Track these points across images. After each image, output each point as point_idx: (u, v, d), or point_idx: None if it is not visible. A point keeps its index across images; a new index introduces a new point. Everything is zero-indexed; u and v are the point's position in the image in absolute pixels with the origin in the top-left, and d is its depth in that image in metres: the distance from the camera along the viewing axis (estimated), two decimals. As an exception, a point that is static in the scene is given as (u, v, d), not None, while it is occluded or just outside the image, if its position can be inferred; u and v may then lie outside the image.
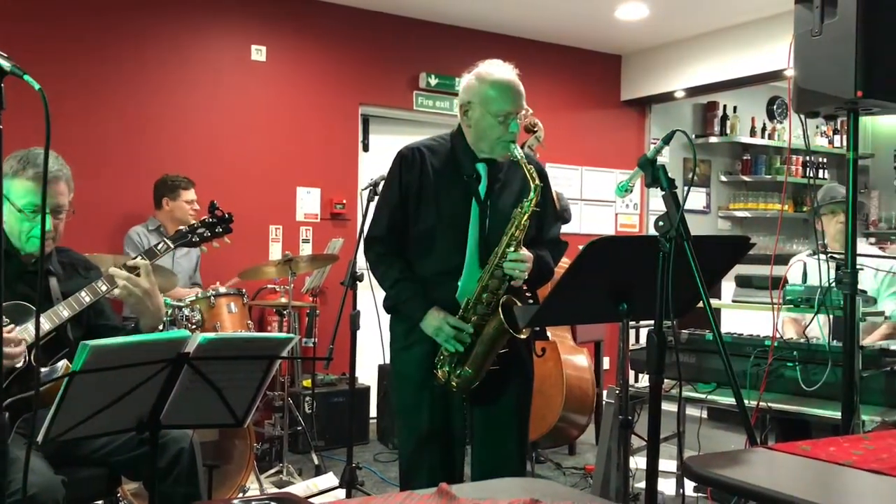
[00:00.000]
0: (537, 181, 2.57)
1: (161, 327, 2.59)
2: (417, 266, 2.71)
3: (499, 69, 2.67)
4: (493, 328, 2.55)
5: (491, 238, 2.64)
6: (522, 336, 2.58)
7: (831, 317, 3.01)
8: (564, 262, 2.94)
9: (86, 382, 1.85)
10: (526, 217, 2.56)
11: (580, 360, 4.78)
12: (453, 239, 2.66)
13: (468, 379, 2.60)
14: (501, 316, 2.52)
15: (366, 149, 6.12)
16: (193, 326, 4.00)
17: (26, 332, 2.40)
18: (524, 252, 2.58)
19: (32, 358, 2.36)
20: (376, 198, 3.00)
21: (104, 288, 2.49)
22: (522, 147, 4.41)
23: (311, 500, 3.81)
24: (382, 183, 2.85)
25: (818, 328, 3.20)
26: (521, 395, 2.77)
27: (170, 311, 3.96)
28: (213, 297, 4.19)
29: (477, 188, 2.69)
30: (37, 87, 1.61)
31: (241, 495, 3.83)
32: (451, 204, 2.67)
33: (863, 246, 4.22)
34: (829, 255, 3.06)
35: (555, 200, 4.17)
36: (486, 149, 2.67)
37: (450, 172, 2.70)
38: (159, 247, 2.60)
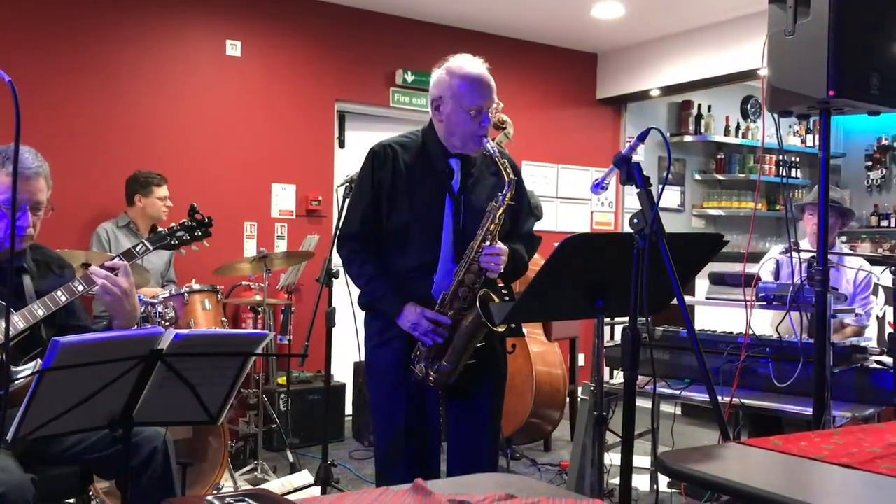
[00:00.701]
0: (511, 175, 2.58)
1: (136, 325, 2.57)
2: (392, 262, 2.71)
3: (469, 63, 2.67)
4: (470, 322, 2.56)
5: (465, 233, 2.64)
6: (500, 329, 2.59)
7: (803, 314, 3.05)
8: (540, 260, 2.95)
9: (56, 380, 1.83)
10: (501, 211, 2.56)
11: (550, 355, 4.82)
12: (427, 234, 2.66)
13: (446, 373, 2.60)
14: (479, 310, 2.52)
15: (342, 145, 6.10)
16: (167, 323, 3.97)
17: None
18: (499, 246, 2.58)
19: (3, 357, 2.33)
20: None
21: (81, 288, 2.46)
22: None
23: (286, 497, 3.79)
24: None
25: (791, 325, 3.24)
26: (495, 392, 2.78)
27: (143, 309, 3.92)
28: (186, 294, 4.16)
29: (450, 183, 2.69)
30: (6, 79, 1.59)
31: (215, 492, 3.80)
32: (425, 200, 2.67)
33: (839, 246, 4.27)
34: (802, 252, 3.09)
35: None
36: (459, 143, 2.67)
37: (422, 168, 2.69)
38: (138, 248, 2.58)
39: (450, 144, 2.69)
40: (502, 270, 2.60)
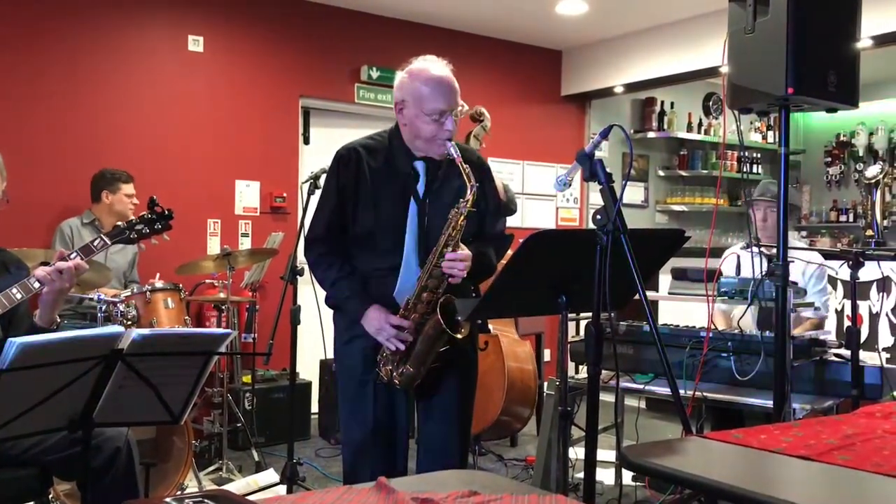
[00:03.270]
0: (472, 181, 2.56)
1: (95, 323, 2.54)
2: (357, 262, 2.70)
3: (432, 66, 2.64)
4: (432, 328, 2.55)
5: (430, 236, 2.63)
6: (460, 336, 2.58)
7: (757, 307, 3.09)
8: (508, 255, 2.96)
9: (14, 381, 1.80)
10: (462, 218, 2.54)
11: (522, 353, 4.81)
12: (392, 238, 2.65)
13: (410, 376, 2.60)
14: (439, 316, 2.52)
15: (306, 141, 6.07)
16: (129, 322, 3.92)
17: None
18: (462, 252, 2.58)
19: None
20: (317, 191, 2.97)
21: (37, 285, 2.42)
22: (468, 137, 4.46)
23: (250, 496, 3.77)
24: (324, 177, 2.83)
25: (750, 320, 3.29)
26: (464, 389, 2.78)
27: (104, 307, 3.87)
28: (149, 293, 4.11)
29: (415, 187, 2.67)
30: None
31: (178, 493, 3.77)
32: (389, 203, 2.66)
33: (793, 240, 4.33)
34: (762, 247, 3.14)
35: (499, 193, 4.19)
36: (422, 147, 2.65)
37: (387, 171, 2.68)
38: (96, 243, 2.54)
39: (414, 147, 2.68)
40: (465, 275, 2.60)
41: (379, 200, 2.65)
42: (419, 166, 2.69)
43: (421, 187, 2.68)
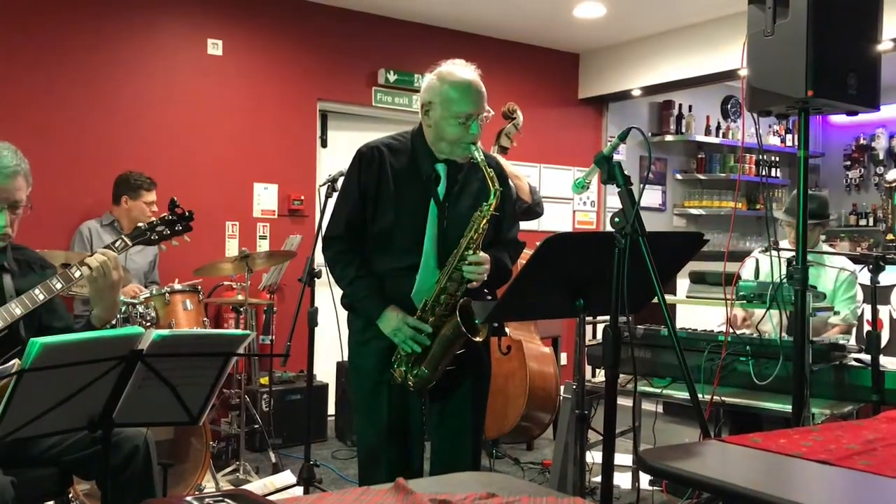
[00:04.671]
0: (497, 185, 2.57)
1: (114, 324, 2.55)
2: (374, 262, 2.70)
3: (461, 70, 2.66)
4: (449, 330, 2.56)
5: (448, 238, 2.63)
6: (478, 339, 2.58)
7: (782, 314, 3.07)
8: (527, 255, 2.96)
9: (35, 381, 1.81)
10: (485, 221, 2.56)
11: (545, 358, 4.78)
12: (410, 239, 2.65)
13: (424, 379, 2.60)
14: (458, 319, 2.52)
15: (324, 144, 6.09)
16: (148, 324, 3.95)
17: (-25, 330, 2.34)
18: (482, 255, 2.58)
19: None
20: (335, 194, 2.98)
21: (59, 285, 2.44)
22: (499, 134, 4.46)
23: (268, 498, 3.79)
24: (342, 180, 2.84)
25: (770, 324, 3.26)
26: (477, 392, 2.78)
27: (124, 308, 3.90)
28: (167, 294, 4.14)
29: (436, 189, 2.68)
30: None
31: (196, 493, 3.79)
32: (410, 204, 2.66)
33: (823, 247, 4.31)
34: (782, 251, 3.12)
35: (526, 195, 4.19)
36: (446, 149, 2.66)
37: (409, 172, 2.68)
38: (117, 244, 2.55)
39: (437, 150, 2.68)
40: (484, 279, 2.60)
41: (399, 200, 2.66)
42: (440, 168, 2.69)
43: (441, 189, 2.69)
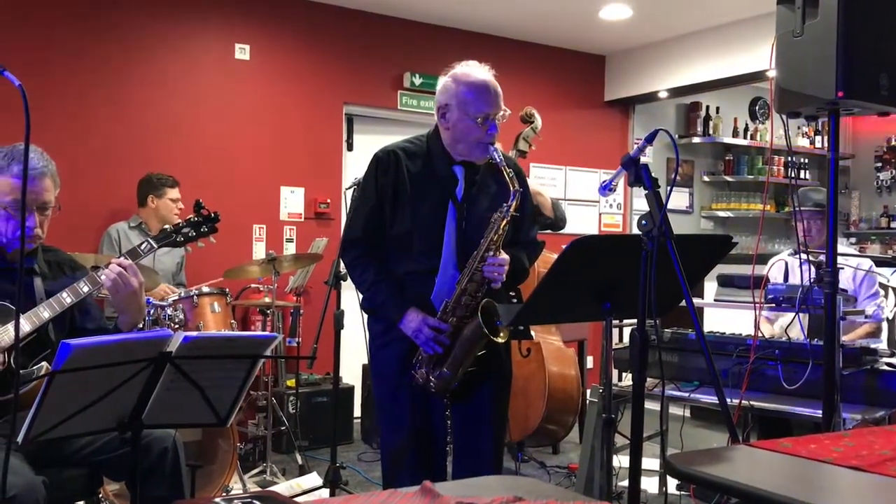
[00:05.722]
0: (517, 186, 2.57)
1: (142, 326, 2.58)
2: (394, 266, 2.70)
3: (476, 70, 2.66)
4: (471, 331, 2.55)
5: (468, 240, 2.63)
6: (500, 340, 2.58)
7: (806, 315, 3.03)
8: (552, 260, 2.95)
9: (66, 382, 1.83)
10: (505, 222, 2.56)
11: (565, 360, 4.77)
12: (430, 241, 2.66)
13: (446, 380, 2.60)
14: (480, 319, 2.52)
15: (350, 148, 6.11)
16: (176, 326, 3.98)
17: (6, 333, 2.37)
18: (503, 256, 2.58)
19: (12, 360, 2.34)
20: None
21: (86, 288, 2.46)
22: (518, 138, 4.47)
23: (294, 499, 3.80)
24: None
25: (799, 327, 3.23)
26: (498, 394, 2.78)
27: (152, 311, 3.93)
28: (195, 297, 4.17)
29: (454, 191, 2.68)
30: (17, 83, 1.60)
31: (223, 494, 3.81)
32: (428, 206, 2.66)
33: (843, 246, 4.25)
34: (810, 254, 3.08)
35: (548, 210, 4.21)
36: (465, 151, 2.66)
37: (426, 175, 2.69)
38: (143, 247, 2.57)
39: (455, 152, 2.68)
40: (504, 280, 2.60)
41: (417, 203, 2.66)
42: (457, 170, 2.69)
43: (459, 191, 2.69)
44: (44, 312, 2.42)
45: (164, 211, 4.72)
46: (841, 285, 3.79)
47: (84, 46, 5.06)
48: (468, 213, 2.68)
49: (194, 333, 1.99)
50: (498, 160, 2.58)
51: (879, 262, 3.96)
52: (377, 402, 2.82)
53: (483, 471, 2.50)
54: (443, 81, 2.69)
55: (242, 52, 5.58)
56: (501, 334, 2.58)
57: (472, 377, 2.66)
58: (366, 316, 2.85)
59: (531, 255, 2.84)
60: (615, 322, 3.83)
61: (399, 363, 2.68)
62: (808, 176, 8.12)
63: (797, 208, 3.96)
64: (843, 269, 3.79)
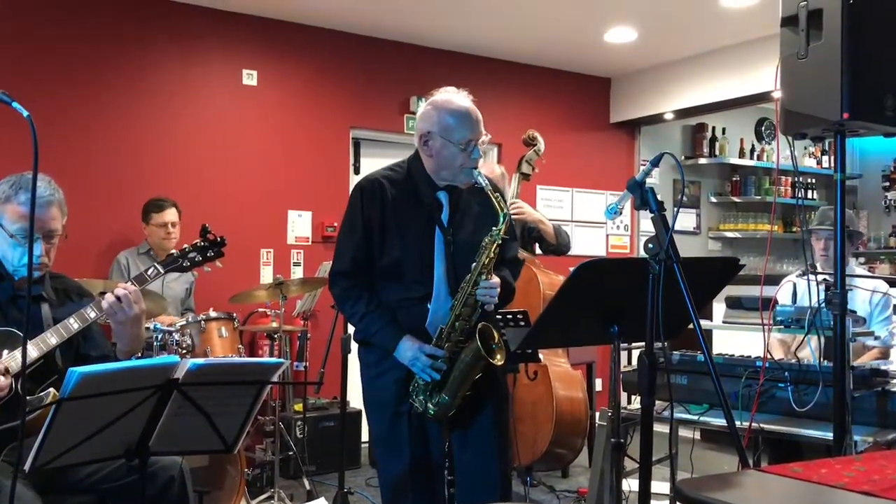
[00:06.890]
0: (505, 210, 2.57)
1: (140, 354, 2.57)
2: (385, 294, 2.69)
3: (456, 97, 2.69)
4: (469, 355, 2.55)
5: (457, 265, 2.63)
6: (498, 362, 2.57)
7: (822, 337, 3.01)
8: (559, 282, 2.95)
9: (74, 409, 1.84)
10: (496, 246, 2.56)
11: (572, 383, 4.74)
12: (420, 268, 2.65)
13: (446, 405, 2.59)
14: (479, 343, 2.51)
15: (357, 171, 6.13)
16: (184, 351, 3.98)
17: (13, 360, 2.38)
18: (494, 279, 2.58)
19: (19, 387, 2.34)
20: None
21: (93, 315, 2.47)
22: (521, 161, 4.48)
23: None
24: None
25: (809, 349, 3.21)
26: (497, 415, 2.75)
27: (160, 336, 3.94)
28: (203, 322, 4.17)
29: (439, 216, 2.68)
30: (25, 114, 1.62)
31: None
32: (415, 234, 2.66)
33: (856, 267, 4.24)
34: (819, 275, 3.07)
35: (552, 237, 4.24)
36: (449, 177, 2.67)
37: (411, 202, 2.68)
38: (149, 272, 2.58)
39: (439, 178, 2.68)
40: (497, 302, 2.60)
41: (405, 231, 2.66)
42: (441, 196, 2.70)
43: (445, 216, 2.68)
44: (51, 338, 2.43)
45: (153, 237, 4.71)
46: (857, 308, 3.78)
47: (89, 72, 5.10)
48: (455, 237, 2.67)
49: (201, 360, 1.99)
50: (483, 184, 2.58)
51: (892, 283, 3.93)
52: (374, 433, 2.79)
53: (490, 494, 2.48)
54: (423, 109, 2.71)
55: (250, 77, 5.62)
56: (499, 356, 2.57)
57: (469, 402, 2.65)
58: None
59: (514, 273, 2.84)
60: (623, 345, 3.81)
61: (395, 391, 2.66)
62: (815, 196, 8.11)
63: (809, 227, 3.96)
64: (851, 290, 3.77)
